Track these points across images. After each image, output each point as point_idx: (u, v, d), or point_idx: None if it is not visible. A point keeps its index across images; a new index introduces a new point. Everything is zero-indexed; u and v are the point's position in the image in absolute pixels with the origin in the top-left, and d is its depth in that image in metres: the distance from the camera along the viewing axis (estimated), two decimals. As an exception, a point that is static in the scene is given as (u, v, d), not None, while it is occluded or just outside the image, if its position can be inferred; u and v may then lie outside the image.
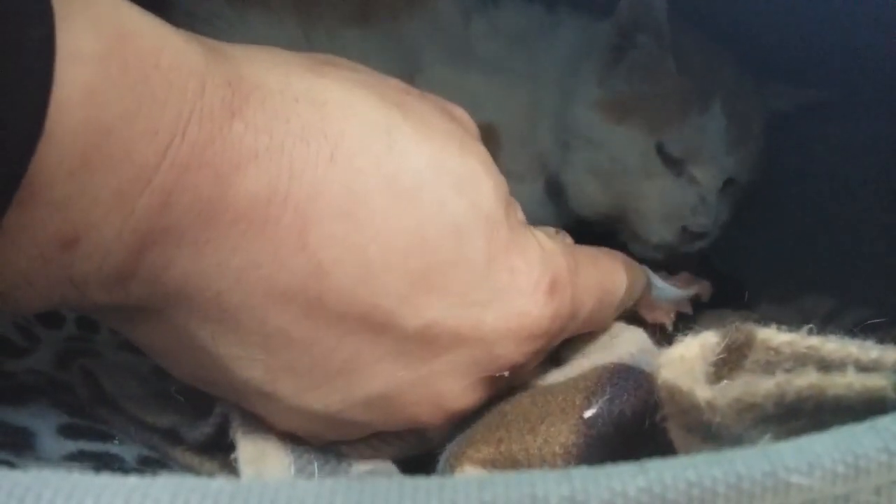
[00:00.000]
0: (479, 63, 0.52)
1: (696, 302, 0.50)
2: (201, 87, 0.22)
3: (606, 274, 0.32)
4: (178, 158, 0.22)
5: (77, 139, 0.20)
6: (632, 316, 0.39)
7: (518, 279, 0.27)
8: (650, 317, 0.47)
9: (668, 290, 0.48)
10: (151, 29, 0.22)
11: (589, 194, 0.53)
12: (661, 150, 0.51)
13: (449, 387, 0.28)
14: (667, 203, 0.51)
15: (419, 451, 0.31)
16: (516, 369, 0.29)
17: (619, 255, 0.35)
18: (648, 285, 0.41)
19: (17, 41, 0.19)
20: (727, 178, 0.52)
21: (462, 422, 0.31)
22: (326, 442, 0.29)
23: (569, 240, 0.34)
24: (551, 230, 0.34)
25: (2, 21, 0.19)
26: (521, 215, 0.30)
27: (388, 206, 0.25)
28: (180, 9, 0.51)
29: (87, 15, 0.21)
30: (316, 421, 0.27)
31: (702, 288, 0.50)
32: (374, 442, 0.30)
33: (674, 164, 0.51)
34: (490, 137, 0.50)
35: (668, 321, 0.47)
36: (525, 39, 0.53)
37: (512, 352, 0.28)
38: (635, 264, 0.36)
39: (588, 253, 0.32)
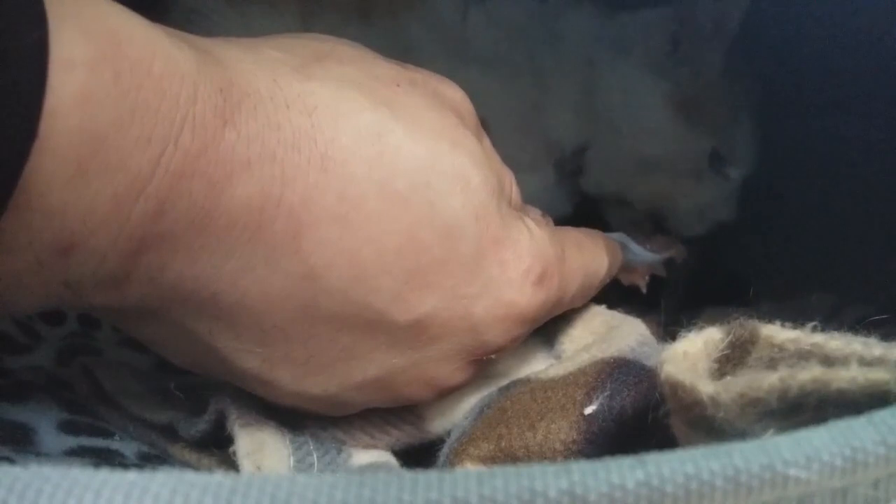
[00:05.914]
0: (477, 57, 0.52)
1: (670, 265, 0.51)
2: (193, 94, 0.22)
3: (590, 257, 0.34)
4: (172, 166, 0.22)
5: (72, 146, 0.20)
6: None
7: (508, 271, 0.28)
8: (626, 279, 0.48)
9: (644, 254, 0.49)
10: (143, 35, 0.22)
11: (625, 182, 0.53)
12: (714, 154, 0.52)
13: (440, 370, 0.29)
14: (708, 203, 0.53)
15: (418, 440, 0.32)
16: (502, 350, 0.30)
17: (600, 235, 0.36)
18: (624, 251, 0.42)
19: (11, 47, 0.19)
20: None
21: (462, 418, 0.31)
22: (323, 415, 0.30)
23: (551, 223, 0.35)
24: (538, 212, 0.34)
25: None
26: (516, 197, 0.31)
27: (381, 210, 0.25)
28: (179, 4, 0.51)
29: (79, 21, 0.20)
30: (314, 402, 0.28)
31: (677, 251, 0.51)
32: (373, 431, 0.31)
33: (719, 165, 0.52)
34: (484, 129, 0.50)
35: (642, 283, 0.49)
36: (522, 32, 0.53)
37: (499, 337, 0.29)
38: (613, 242, 0.37)
39: (573, 237, 0.33)
